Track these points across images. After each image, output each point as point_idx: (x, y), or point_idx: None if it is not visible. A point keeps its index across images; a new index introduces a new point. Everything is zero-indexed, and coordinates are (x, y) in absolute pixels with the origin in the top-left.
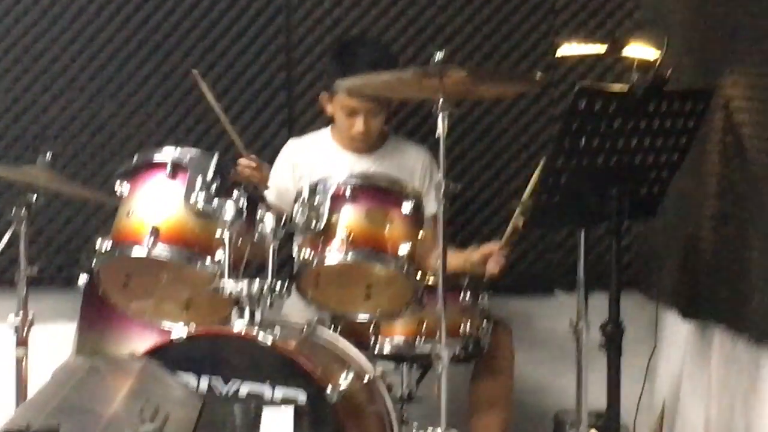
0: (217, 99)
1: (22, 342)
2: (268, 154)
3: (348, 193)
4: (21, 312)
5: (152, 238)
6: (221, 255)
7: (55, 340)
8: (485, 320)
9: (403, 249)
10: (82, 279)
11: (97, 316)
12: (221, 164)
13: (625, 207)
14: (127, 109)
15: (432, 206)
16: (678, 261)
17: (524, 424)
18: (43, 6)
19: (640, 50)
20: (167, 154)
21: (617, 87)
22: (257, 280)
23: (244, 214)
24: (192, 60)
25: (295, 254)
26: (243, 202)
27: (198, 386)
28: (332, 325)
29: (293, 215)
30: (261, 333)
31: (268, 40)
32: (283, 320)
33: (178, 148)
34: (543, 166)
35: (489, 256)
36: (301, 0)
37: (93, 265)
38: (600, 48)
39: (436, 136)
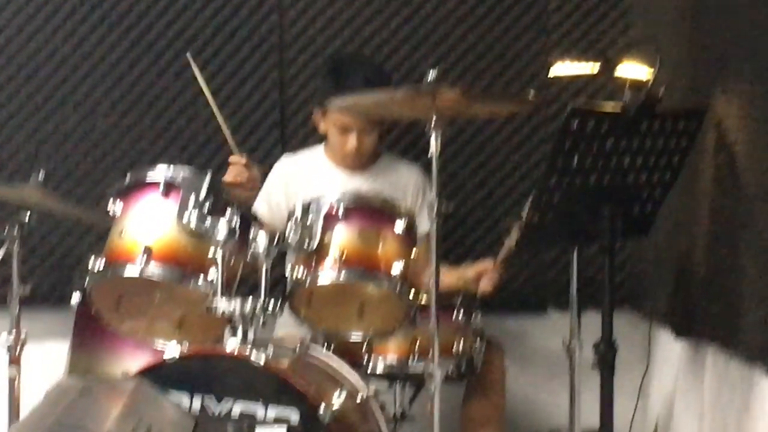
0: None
1: (14, 361)
2: (262, 174)
3: (341, 212)
4: (14, 331)
5: (145, 257)
6: (214, 274)
7: (48, 359)
8: (478, 339)
9: (396, 268)
10: (75, 298)
11: (90, 335)
12: (214, 183)
13: (617, 226)
14: (119, 128)
15: (425, 224)
16: (671, 280)
17: None
18: (36, 26)
19: (633, 70)
20: (160, 173)
21: (609, 106)
22: (250, 299)
23: (237, 233)
24: (185, 79)
25: (287, 273)
26: (236, 221)
27: (191, 405)
28: (325, 344)
29: (286, 234)
30: (254, 352)
31: (262, 58)
32: (276, 339)
33: (171, 167)
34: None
35: (483, 273)
36: (295, 19)
37: (86, 284)
38: (592, 67)
39: (429, 155)
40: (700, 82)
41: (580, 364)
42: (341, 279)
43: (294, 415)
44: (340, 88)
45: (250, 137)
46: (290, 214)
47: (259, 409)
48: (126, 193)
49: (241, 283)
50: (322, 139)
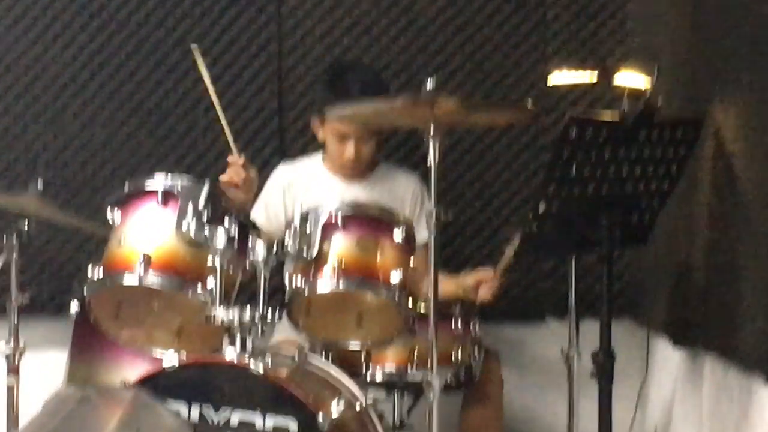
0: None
1: (13, 370)
2: (260, 181)
3: (339, 221)
4: (12, 340)
5: (143, 266)
6: (212, 283)
7: (47, 368)
8: (477, 348)
9: (395, 277)
10: (74, 307)
11: (89, 343)
12: (212, 192)
13: (616, 235)
14: (118, 137)
15: (423, 233)
16: (669, 289)
17: None
18: (34, 36)
19: (631, 79)
20: (158, 182)
21: (608, 115)
22: (248, 308)
23: (236, 242)
24: (183, 88)
25: (286, 282)
26: (234, 230)
27: (189, 415)
28: (324, 353)
29: (285, 243)
30: (252, 361)
31: (260, 67)
32: (273, 344)
33: (170, 176)
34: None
35: (483, 281)
36: (293, 27)
37: (84, 293)
38: (591, 76)
39: (428, 164)
40: (698, 91)
41: (579, 373)
42: (340, 288)
43: (292, 424)
44: (338, 96)
45: (250, 145)
46: (289, 223)
47: (257, 419)
48: (125, 201)
49: (239, 292)
50: (320, 147)
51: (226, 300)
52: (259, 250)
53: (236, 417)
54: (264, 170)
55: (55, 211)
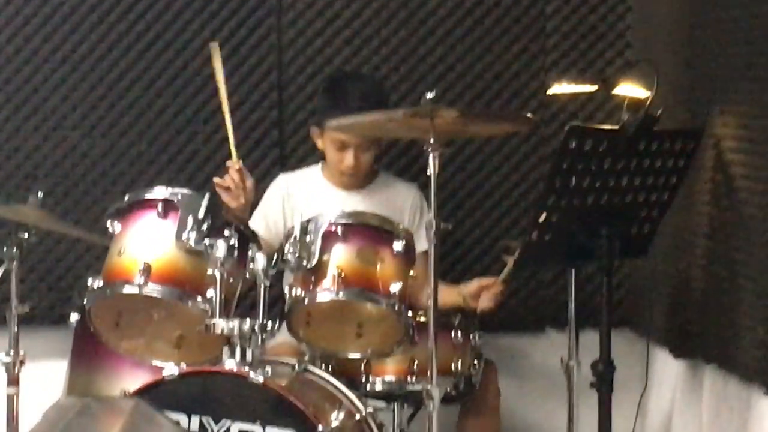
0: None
1: (13, 380)
2: (260, 192)
3: (339, 231)
4: (12, 350)
5: (143, 276)
6: (212, 293)
7: (47, 378)
8: (476, 359)
9: (395, 287)
10: (74, 317)
11: (89, 354)
12: (212, 203)
13: (615, 246)
14: (118, 148)
15: (422, 243)
16: (669, 300)
17: None
18: (34, 46)
19: (631, 90)
20: (158, 193)
21: (608, 126)
22: (248, 318)
23: (236, 252)
24: (183, 98)
25: (286, 292)
26: (234, 241)
27: (189, 426)
28: (323, 364)
29: (285, 253)
30: (252, 371)
31: (261, 78)
32: (271, 347)
33: (169, 188)
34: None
35: (484, 289)
36: (293, 38)
37: (85, 303)
38: (591, 87)
39: (428, 173)
40: (697, 103)
41: (579, 383)
42: (339, 298)
43: None
44: (338, 107)
45: (250, 156)
46: (289, 233)
47: (257, 430)
48: (125, 212)
49: (239, 302)
50: (320, 158)
51: (225, 310)
52: (259, 260)
53: (236, 428)
54: (264, 180)
55: (55, 221)
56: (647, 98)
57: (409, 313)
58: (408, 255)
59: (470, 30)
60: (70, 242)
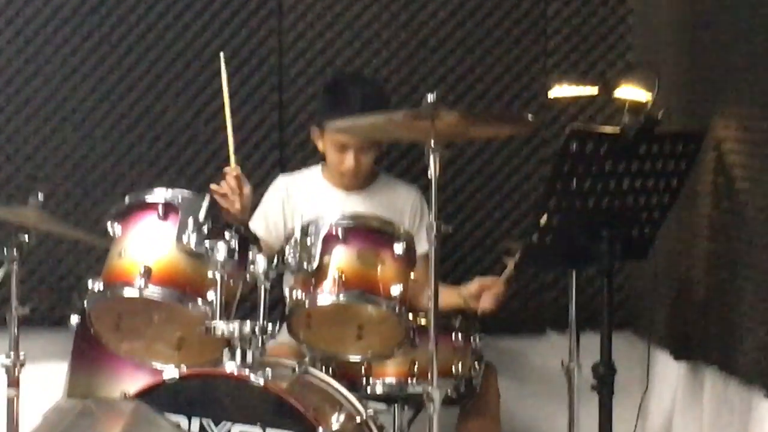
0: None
1: (13, 382)
2: (260, 194)
3: (340, 234)
4: (12, 352)
5: (144, 278)
6: (213, 295)
7: (47, 380)
8: (477, 361)
9: (395, 290)
10: (74, 319)
11: (89, 356)
12: (213, 205)
13: (616, 248)
14: (118, 150)
15: (423, 245)
16: (669, 302)
17: None
18: (34, 48)
19: (632, 92)
20: (159, 195)
21: (609, 129)
22: (248, 321)
23: (236, 254)
24: (184, 100)
25: (286, 295)
26: (235, 243)
27: (189, 428)
28: (324, 366)
29: (285, 255)
30: (252, 374)
31: (261, 80)
32: (270, 347)
33: (170, 190)
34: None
35: (486, 289)
36: (294, 40)
37: (85, 305)
38: (591, 90)
39: (428, 175)
40: (698, 105)
41: (579, 385)
42: (340, 300)
43: None
44: (339, 109)
45: (250, 158)
46: (289, 235)
47: None
48: (125, 214)
49: (239, 305)
50: (321, 160)
51: (226, 312)
52: (259, 262)
53: (236, 430)
54: (264, 183)
55: (56, 223)
56: (648, 101)
57: (410, 316)
58: (408, 257)
59: (471, 32)
60: (71, 244)
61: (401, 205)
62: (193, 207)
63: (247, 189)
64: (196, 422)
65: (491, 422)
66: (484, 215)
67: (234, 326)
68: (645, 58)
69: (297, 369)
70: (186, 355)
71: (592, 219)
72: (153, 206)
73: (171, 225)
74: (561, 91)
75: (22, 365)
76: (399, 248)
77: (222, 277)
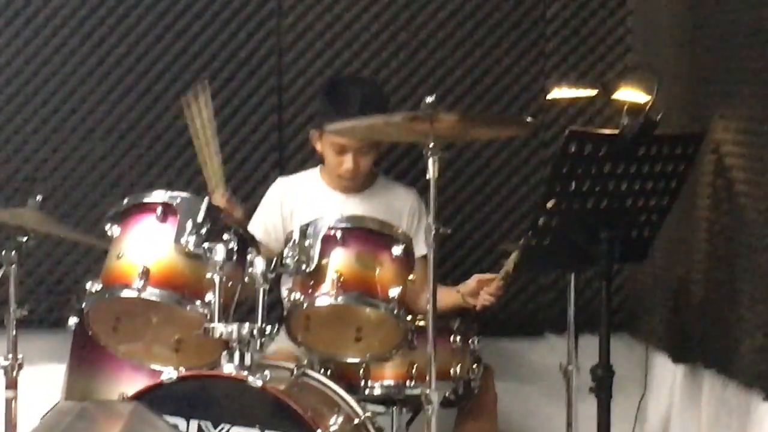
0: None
1: (11, 384)
2: (259, 196)
3: (338, 235)
4: (11, 353)
5: (142, 280)
6: (211, 297)
7: (45, 382)
8: (475, 363)
9: (394, 292)
10: (72, 321)
11: (87, 358)
12: (211, 207)
13: (615, 250)
14: (117, 152)
15: (421, 247)
16: (668, 304)
17: None
18: (33, 50)
19: (631, 94)
20: (157, 196)
21: (607, 131)
22: (247, 323)
23: (235, 256)
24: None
25: (284, 297)
26: (233, 245)
27: (187, 430)
28: (322, 368)
29: (284, 257)
30: (251, 375)
31: (260, 81)
32: (270, 353)
33: (168, 192)
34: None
35: (483, 285)
36: (293, 42)
37: (83, 306)
38: (591, 92)
39: (427, 177)
40: (697, 107)
41: (578, 387)
42: (338, 302)
43: None
44: (338, 111)
45: (250, 159)
46: (288, 237)
47: None
48: (124, 216)
49: (238, 306)
50: (319, 162)
51: (224, 314)
52: (257, 264)
53: None
54: (263, 184)
55: (54, 224)
56: (647, 103)
57: (408, 318)
58: (407, 259)
59: (470, 34)
60: (69, 246)
61: (399, 207)
62: (191, 209)
63: (239, 213)
64: (194, 424)
65: (489, 424)
66: (483, 217)
67: (232, 328)
68: (644, 61)
69: (295, 371)
70: (184, 357)
71: (591, 221)
72: (152, 208)
73: (170, 227)
74: (560, 93)
75: (20, 367)
76: (397, 250)
77: (220, 279)
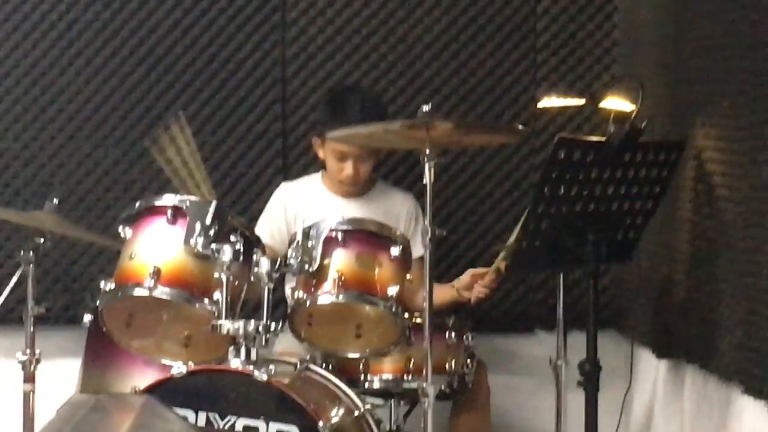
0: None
1: (29, 378)
2: (263, 202)
3: (340, 237)
4: (28, 349)
5: (153, 279)
6: (219, 295)
7: (61, 376)
8: (469, 358)
9: (392, 291)
10: (87, 318)
11: (101, 353)
12: (219, 210)
13: (602, 251)
14: (129, 158)
15: (418, 248)
16: (652, 302)
17: None
18: (51, 58)
19: (617, 103)
20: (168, 200)
21: (595, 138)
22: (252, 320)
23: (241, 257)
24: (191, 109)
25: (288, 295)
26: (240, 246)
27: (196, 421)
28: (324, 363)
29: (287, 258)
30: (256, 370)
31: (265, 91)
32: (278, 357)
33: (178, 195)
34: (527, 213)
35: (478, 278)
36: (297, 53)
37: (97, 304)
38: (579, 101)
39: (424, 182)
40: (680, 116)
41: (566, 381)
42: (340, 300)
43: (294, 431)
44: (339, 119)
45: (254, 165)
46: (292, 239)
47: (260, 425)
48: (136, 218)
49: (244, 304)
50: (321, 167)
51: (231, 312)
52: (263, 264)
53: (240, 424)
54: (267, 192)
55: (70, 227)
56: (632, 111)
57: (406, 315)
58: (405, 260)
59: (464, 46)
60: (84, 247)
61: (397, 210)
62: (200, 211)
63: None
64: (202, 416)
65: (482, 416)
66: (477, 220)
67: (239, 325)
68: (629, 71)
69: (299, 365)
70: (193, 352)
71: (579, 223)
72: (162, 211)
73: (179, 229)
74: (550, 102)
75: (37, 362)
76: (395, 251)
77: (227, 278)
